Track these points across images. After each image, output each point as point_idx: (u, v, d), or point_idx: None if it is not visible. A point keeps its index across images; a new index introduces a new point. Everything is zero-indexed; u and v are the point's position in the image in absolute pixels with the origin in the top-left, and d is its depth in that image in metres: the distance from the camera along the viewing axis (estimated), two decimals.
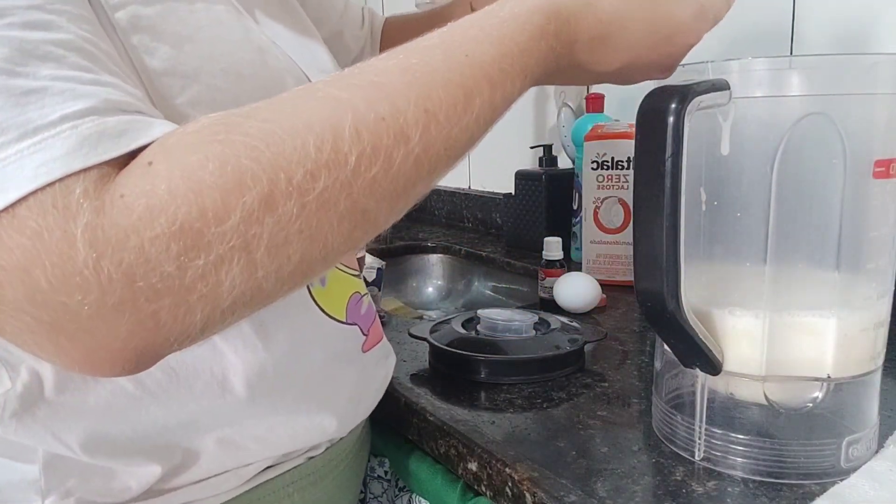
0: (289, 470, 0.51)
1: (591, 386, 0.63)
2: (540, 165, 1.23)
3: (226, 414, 0.46)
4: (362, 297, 0.56)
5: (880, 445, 0.48)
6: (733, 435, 0.46)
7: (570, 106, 1.21)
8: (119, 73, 0.33)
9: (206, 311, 0.29)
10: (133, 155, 0.30)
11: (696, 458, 0.48)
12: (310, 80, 0.52)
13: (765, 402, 0.46)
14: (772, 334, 0.44)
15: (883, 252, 0.44)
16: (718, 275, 0.47)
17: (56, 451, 0.42)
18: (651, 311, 0.43)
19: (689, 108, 0.39)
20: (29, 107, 0.28)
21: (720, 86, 0.41)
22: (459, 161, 0.37)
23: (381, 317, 0.85)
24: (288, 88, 0.47)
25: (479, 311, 0.73)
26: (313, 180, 0.30)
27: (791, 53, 0.83)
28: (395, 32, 0.80)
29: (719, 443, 0.47)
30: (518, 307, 0.86)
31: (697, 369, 0.46)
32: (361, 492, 0.68)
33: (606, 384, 0.63)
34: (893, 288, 0.46)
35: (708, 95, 0.40)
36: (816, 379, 0.45)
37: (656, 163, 0.40)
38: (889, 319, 0.46)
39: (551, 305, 0.88)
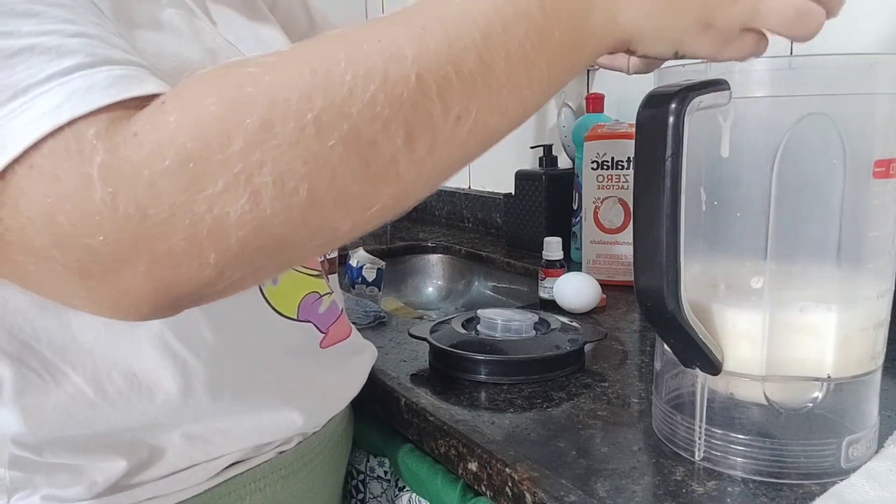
0: (259, 465, 0.52)
1: (591, 386, 0.63)
2: (540, 165, 1.23)
3: (190, 413, 0.46)
4: (322, 296, 0.56)
5: (880, 445, 0.48)
6: (733, 435, 0.46)
7: (570, 106, 1.21)
8: (103, 26, 0.33)
9: (217, 248, 0.29)
10: (145, 101, 0.30)
11: (697, 458, 0.48)
12: None
13: (765, 402, 0.46)
14: (772, 334, 0.44)
15: (883, 252, 0.44)
16: (718, 275, 0.47)
17: (19, 454, 0.43)
18: (651, 310, 0.43)
19: (688, 107, 0.39)
20: (17, 68, 0.29)
21: (720, 85, 0.41)
22: (482, 95, 0.33)
23: (381, 317, 0.85)
24: None
25: (479, 311, 0.73)
26: (309, 101, 0.29)
27: (791, 53, 0.83)
28: None
29: (719, 443, 0.47)
30: (518, 307, 0.86)
31: (697, 369, 0.46)
32: (360, 491, 0.68)
33: (606, 384, 0.63)
34: (893, 287, 0.46)
35: (708, 95, 0.40)
36: (816, 379, 0.45)
37: (656, 163, 0.40)
38: (889, 319, 0.46)
39: (551, 305, 0.88)
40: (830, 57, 0.41)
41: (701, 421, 0.47)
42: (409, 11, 0.34)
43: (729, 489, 0.45)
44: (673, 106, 0.39)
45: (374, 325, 0.83)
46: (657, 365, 0.53)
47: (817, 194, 0.43)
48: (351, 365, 0.60)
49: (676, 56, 0.40)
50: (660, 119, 0.39)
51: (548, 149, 1.23)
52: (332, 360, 0.57)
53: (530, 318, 0.72)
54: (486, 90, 0.33)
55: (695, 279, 0.44)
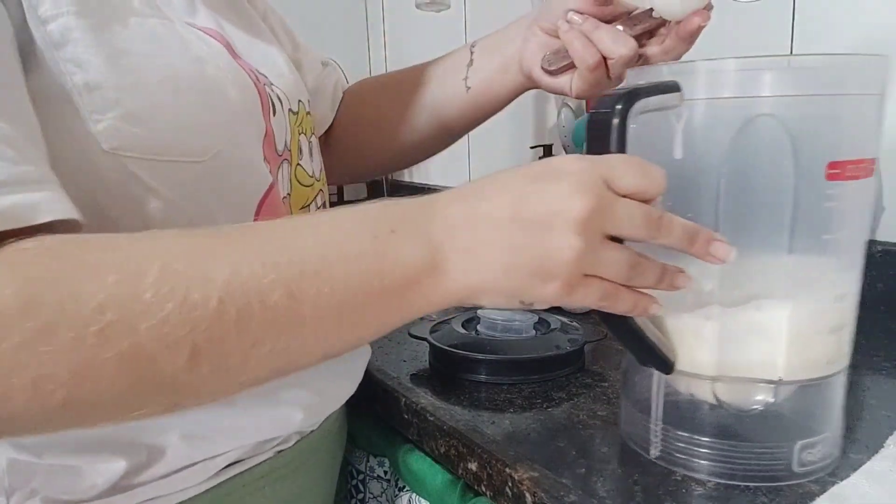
0: (258, 464, 0.51)
1: (591, 386, 0.63)
2: None
3: (188, 412, 0.46)
4: None
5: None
6: (696, 437, 0.46)
7: (570, 106, 1.21)
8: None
9: None
10: None
11: (651, 456, 0.48)
12: (263, 76, 0.52)
13: (715, 402, 0.45)
14: (723, 335, 0.44)
15: (839, 255, 0.44)
16: None
17: (17, 457, 0.43)
18: (602, 311, 0.43)
19: (633, 110, 0.39)
20: None
21: (669, 87, 0.40)
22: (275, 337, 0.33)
23: None
24: (229, 98, 0.46)
25: (479, 311, 0.73)
26: (100, 314, 0.29)
27: (791, 53, 0.83)
28: (365, 93, 0.77)
29: (682, 444, 0.46)
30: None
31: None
32: (360, 491, 0.68)
33: (606, 384, 0.63)
34: (855, 292, 0.45)
35: (656, 98, 0.40)
36: (768, 381, 0.44)
37: None
38: (850, 325, 0.45)
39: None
40: (781, 58, 0.41)
41: (657, 420, 0.47)
42: (242, 232, 0.35)
43: (728, 489, 0.45)
44: (618, 108, 0.39)
45: None
46: (624, 364, 0.52)
47: (768, 196, 0.42)
48: (347, 364, 0.59)
49: (524, 306, 0.39)
50: (605, 120, 0.39)
51: (548, 149, 1.22)
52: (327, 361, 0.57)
53: (530, 318, 0.72)
54: (288, 325, 0.33)
55: None
